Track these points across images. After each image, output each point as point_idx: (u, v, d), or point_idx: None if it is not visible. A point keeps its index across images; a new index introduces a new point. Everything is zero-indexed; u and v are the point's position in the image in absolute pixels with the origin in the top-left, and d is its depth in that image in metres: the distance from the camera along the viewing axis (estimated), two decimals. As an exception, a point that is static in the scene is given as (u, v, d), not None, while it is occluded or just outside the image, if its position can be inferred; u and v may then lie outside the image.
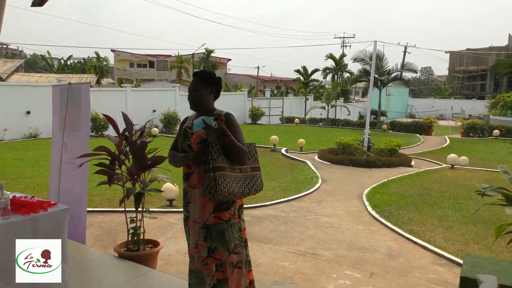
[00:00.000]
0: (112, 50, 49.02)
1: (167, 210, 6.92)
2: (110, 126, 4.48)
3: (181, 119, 26.18)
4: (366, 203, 7.81)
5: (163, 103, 22.11)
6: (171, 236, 5.71)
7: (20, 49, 58.60)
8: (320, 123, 28.79)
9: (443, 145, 18.36)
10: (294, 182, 9.67)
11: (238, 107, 28.40)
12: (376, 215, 7.01)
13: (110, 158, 4.20)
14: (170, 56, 48.57)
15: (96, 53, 39.74)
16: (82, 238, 4.65)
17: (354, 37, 62.05)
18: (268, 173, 10.63)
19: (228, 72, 52.53)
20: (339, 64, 34.38)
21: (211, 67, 42.55)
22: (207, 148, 2.58)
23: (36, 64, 57.18)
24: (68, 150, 4.85)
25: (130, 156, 4.19)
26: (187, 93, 2.87)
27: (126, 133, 4.23)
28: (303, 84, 35.61)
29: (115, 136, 4.41)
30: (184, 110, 23.16)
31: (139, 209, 4.21)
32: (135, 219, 4.23)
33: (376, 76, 25.00)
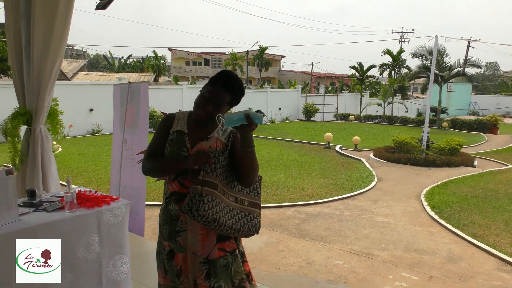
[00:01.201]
0: (169, 49, 50.55)
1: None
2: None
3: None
4: (425, 203, 7.51)
5: (217, 100, 22.42)
6: (225, 232, 5.79)
7: (84, 49, 61.81)
8: (376, 120, 28.07)
9: (510, 145, 17.27)
10: (349, 180, 9.50)
11: (291, 104, 28.33)
12: (436, 216, 6.73)
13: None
14: (224, 53, 49.25)
15: (154, 52, 41.07)
16: (140, 231, 4.83)
17: (413, 32, 59.63)
18: (321, 170, 10.53)
19: (282, 69, 52.50)
20: (397, 60, 33.36)
21: (265, 64, 42.69)
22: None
23: (99, 63, 60.11)
24: (128, 146, 5.04)
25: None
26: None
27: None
28: (359, 80, 34.86)
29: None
30: (238, 107, 23.31)
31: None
32: (191, 214, 4.32)
33: (437, 71, 23.92)
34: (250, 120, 1.88)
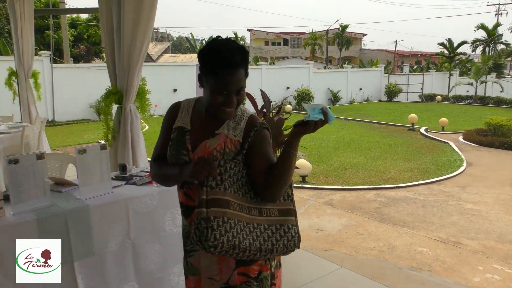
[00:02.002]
0: (249, 30, 50.98)
1: (300, 186, 7.01)
2: (248, 102, 4.62)
3: (314, 97, 25.20)
4: (522, 191, 6.91)
5: (296, 80, 22.33)
6: (303, 212, 5.78)
7: (167, 32, 64.46)
8: (466, 101, 26.15)
9: None
10: (435, 164, 8.99)
11: (373, 84, 27.33)
12: (534, 206, 6.16)
13: (248, 133, 4.35)
14: (303, 33, 48.60)
15: (234, 33, 41.61)
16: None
17: None
18: (405, 153, 10.09)
19: (363, 47, 50.72)
20: (492, 35, 30.68)
21: (345, 43, 41.50)
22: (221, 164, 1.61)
23: (181, 45, 62.23)
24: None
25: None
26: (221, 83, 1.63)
27: (264, 109, 4.34)
28: (447, 58, 32.66)
29: (254, 113, 4.55)
30: (317, 88, 23.15)
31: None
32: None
33: (539, 46, 21.64)
34: (327, 117, 1.51)
